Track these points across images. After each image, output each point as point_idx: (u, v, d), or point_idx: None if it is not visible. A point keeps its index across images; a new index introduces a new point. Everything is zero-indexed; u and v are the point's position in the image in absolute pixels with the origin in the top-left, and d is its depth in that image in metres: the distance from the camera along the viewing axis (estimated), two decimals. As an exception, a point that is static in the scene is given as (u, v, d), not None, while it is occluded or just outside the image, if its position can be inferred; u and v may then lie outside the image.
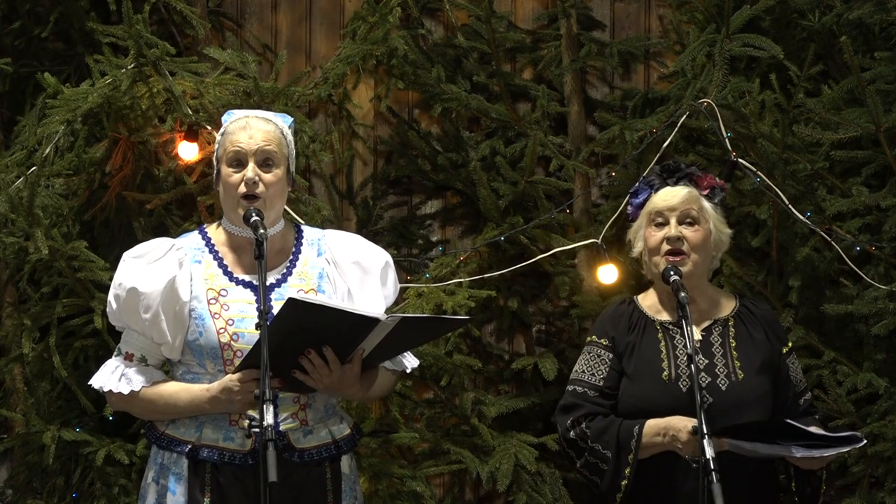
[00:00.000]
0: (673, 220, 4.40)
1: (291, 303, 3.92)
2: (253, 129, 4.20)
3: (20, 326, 5.49)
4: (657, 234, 4.41)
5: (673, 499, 4.29)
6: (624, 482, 4.26)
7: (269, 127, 4.23)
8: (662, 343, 4.40)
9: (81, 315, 5.51)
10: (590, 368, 4.41)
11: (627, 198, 4.60)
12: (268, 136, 4.20)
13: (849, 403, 5.43)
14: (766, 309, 4.56)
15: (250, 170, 4.16)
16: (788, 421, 4.18)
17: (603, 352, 4.41)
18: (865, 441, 4.28)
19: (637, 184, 4.53)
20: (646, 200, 4.47)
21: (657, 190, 4.46)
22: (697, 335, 4.41)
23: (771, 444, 4.17)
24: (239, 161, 4.18)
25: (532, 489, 5.69)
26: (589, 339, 4.48)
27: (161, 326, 4.11)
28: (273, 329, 3.95)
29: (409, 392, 5.85)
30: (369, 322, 3.99)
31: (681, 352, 4.37)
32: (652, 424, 4.27)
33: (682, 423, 4.22)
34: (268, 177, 4.17)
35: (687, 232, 4.40)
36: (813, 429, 4.21)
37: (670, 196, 4.43)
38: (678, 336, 4.40)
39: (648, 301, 4.50)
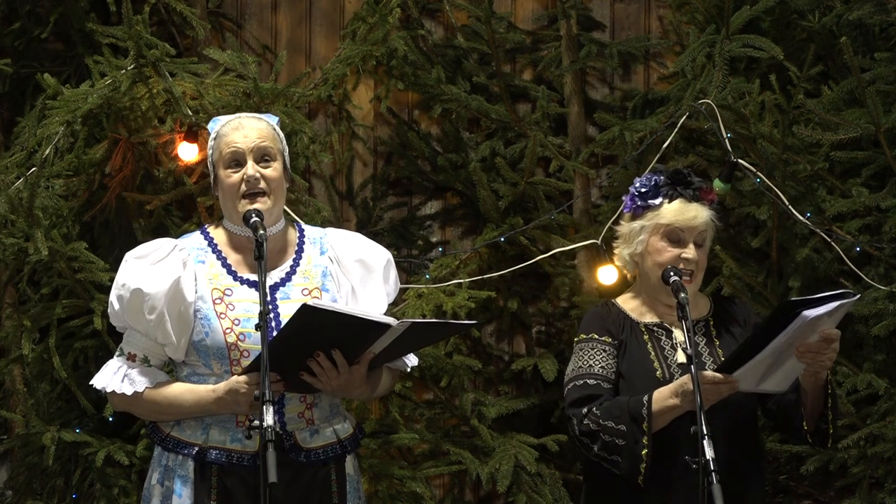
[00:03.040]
0: (691, 242, 4.39)
1: (305, 309, 3.91)
2: (246, 128, 4.20)
3: (20, 327, 5.49)
4: (671, 251, 4.37)
5: (671, 500, 4.29)
6: (644, 451, 4.21)
7: (262, 124, 4.23)
8: (650, 344, 4.40)
9: (81, 316, 5.50)
10: (598, 362, 4.38)
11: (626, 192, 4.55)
12: (262, 133, 4.20)
13: (849, 404, 5.43)
14: (738, 303, 4.56)
15: (250, 167, 4.16)
16: (777, 310, 4.17)
17: (608, 347, 4.39)
18: (859, 296, 4.25)
19: (644, 180, 4.45)
20: (654, 205, 4.41)
21: (670, 200, 4.41)
22: (681, 336, 4.40)
23: (778, 336, 4.12)
24: (237, 161, 4.17)
25: (532, 490, 5.69)
26: (586, 336, 4.43)
27: (166, 327, 4.10)
28: (283, 333, 3.95)
29: (409, 393, 5.85)
30: (381, 327, 3.99)
31: (669, 352, 4.37)
32: (662, 389, 4.25)
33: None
34: (268, 172, 4.17)
35: (698, 253, 4.40)
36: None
37: (691, 216, 4.38)
38: (664, 337, 4.40)
39: (631, 304, 4.48)
